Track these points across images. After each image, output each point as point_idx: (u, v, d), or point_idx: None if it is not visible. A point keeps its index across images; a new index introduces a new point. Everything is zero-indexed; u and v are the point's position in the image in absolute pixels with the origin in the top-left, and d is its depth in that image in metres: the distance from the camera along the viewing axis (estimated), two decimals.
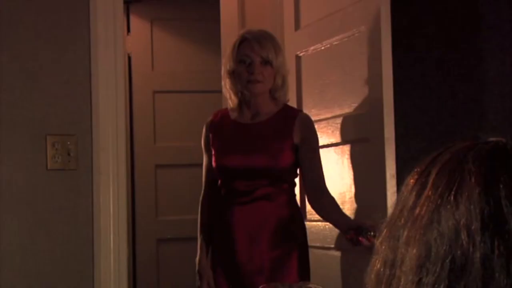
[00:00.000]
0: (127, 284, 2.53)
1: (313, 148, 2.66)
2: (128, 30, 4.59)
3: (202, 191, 2.79)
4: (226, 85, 2.70)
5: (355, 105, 2.76)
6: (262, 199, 2.59)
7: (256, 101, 2.66)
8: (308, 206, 2.78)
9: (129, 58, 4.57)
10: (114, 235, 2.51)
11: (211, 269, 2.69)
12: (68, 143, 2.51)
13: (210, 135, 2.72)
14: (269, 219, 2.59)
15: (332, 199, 2.59)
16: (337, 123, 2.84)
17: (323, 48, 2.98)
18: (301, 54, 3.13)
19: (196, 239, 2.80)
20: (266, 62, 2.61)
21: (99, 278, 2.48)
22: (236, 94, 2.68)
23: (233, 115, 2.71)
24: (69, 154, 2.50)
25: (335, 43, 2.89)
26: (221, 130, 2.71)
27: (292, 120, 2.65)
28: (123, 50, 2.68)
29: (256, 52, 2.60)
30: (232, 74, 2.66)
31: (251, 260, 2.57)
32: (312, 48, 3.05)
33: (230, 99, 2.70)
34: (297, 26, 3.18)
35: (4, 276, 2.42)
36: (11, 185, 2.43)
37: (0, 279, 2.42)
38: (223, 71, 2.71)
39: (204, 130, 2.76)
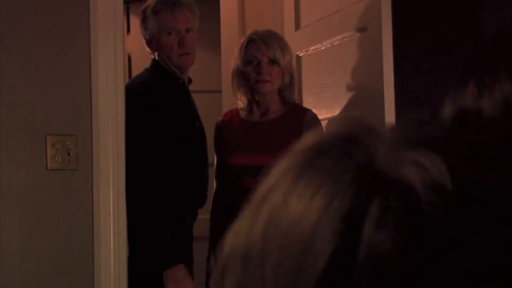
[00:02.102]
0: (127, 284, 2.53)
1: None
2: (128, 30, 4.58)
3: (214, 190, 2.83)
4: (235, 85, 2.75)
5: (355, 105, 2.76)
6: None
7: (265, 100, 2.71)
8: None
9: (129, 58, 4.56)
10: (114, 235, 2.50)
11: None
12: (68, 143, 2.50)
13: (219, 134, 2.78)
14: None
15: None
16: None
17: (323, 48, 2.98)
18: (301, 54, 3.14)
19: (205, 238, 2.82)
20: (273, 62, 2.66)
21: (99, 278, 2.48)
22: (245, 94, 2.73)
23: (243, 114, 2.77)
24: (69, 154, 2.50)
25: (336, 43, 2.89)
26: (230, 129, 2.76)
27: (300, 119, 2.69)
28: (123, 50, 2.67)
29: (263, 53, 2.66)
30: (241, 74, 2.71)
31: None
32: (312, 48, 3.05)
33: (240, 99, 2.76)
34: (297, 26, 3.18)
35: (4, 276, 2.41)
36: (11, 185, 2.43)
37: (0, 279, 2.41)
38: (232, 72, 2.75)
39: (214, 130, 2.82)
